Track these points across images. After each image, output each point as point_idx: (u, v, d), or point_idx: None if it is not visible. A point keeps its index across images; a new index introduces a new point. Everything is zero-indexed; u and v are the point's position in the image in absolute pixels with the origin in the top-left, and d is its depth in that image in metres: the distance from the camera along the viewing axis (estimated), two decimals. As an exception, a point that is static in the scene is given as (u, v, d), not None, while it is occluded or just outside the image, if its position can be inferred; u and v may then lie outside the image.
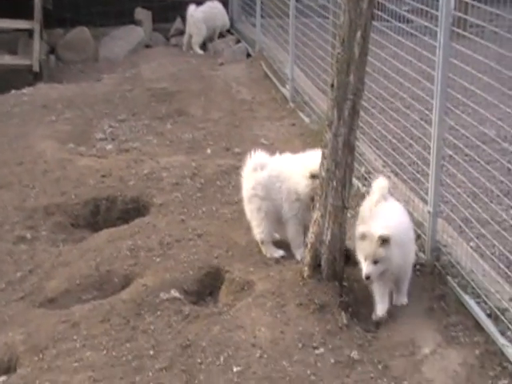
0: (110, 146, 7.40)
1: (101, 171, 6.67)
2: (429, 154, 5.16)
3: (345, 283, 4.90)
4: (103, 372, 4.23)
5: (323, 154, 4.74)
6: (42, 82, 9.69)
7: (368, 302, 4.79)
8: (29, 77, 9.91)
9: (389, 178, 6.13)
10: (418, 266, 5.07)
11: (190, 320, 4.66)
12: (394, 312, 4.70)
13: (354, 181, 5.85)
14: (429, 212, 5.11)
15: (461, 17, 4.94)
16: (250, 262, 5.16)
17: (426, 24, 5.33)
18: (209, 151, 7.29)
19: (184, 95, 8.80)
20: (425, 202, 5.32)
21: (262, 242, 5.29)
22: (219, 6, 11.52)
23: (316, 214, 4.78)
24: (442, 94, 4.89)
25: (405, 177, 5.88)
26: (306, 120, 7.91)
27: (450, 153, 5.32)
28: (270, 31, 9.96)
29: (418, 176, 5.66)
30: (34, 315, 4.81)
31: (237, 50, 10.87)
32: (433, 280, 4.95)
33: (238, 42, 11.28)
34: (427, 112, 5.27)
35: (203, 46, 11.19)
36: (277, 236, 5.41)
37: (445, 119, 5.04)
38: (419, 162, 5.71)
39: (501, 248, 4.72)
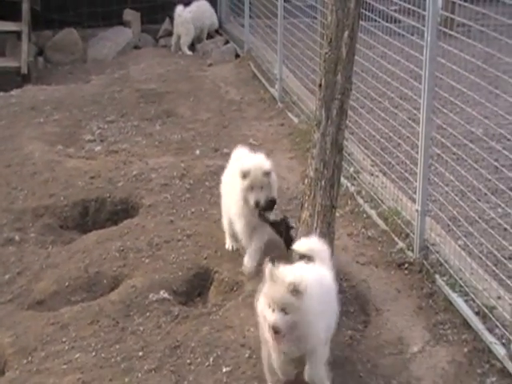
0: (98, 148, 7.39)
1: (89, 172, 6.65)
2: (417, 153, 5.17)
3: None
4: (92, 374, 4.22)
5: (311, 153, 4.75)
6: (30, 83, 9.68)
7: (357, 300, 4.80)
8: (17, 79, 9.90)
9: (377, 177, 6.16)
10: (406, 265, 5.09)
11: (179, 321, 4.66)
12: (382, 310, 4.71)
13: (343, 180, 5.87)
14: (417, 211, 5.13)
15: (448, 16, 4.96)
16: (238, 263, 5.15)
17: (414, 24, 5.34)
18: (197, 152, 7.28)
19: (173, 96, 8.80)
20: (413, 200, 5.34)
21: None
22: (207, 4, 11.51)
23: (304, 214, 4.78)
24: (429, 93, 4.90)
25: (393, 176, 5.89)
26: (295, 120, 7.91)
27: (438, 152, 5.34)
28: (258, 31, 9.96)
29: (406, 175, 5.68)
30: (23, 317, 4.79)
31: (225, 51, 10.85)
32: (421, 278, 4.97)
33: (227, 42, 11.27)
34: (415, 111, 5.28)
35: (192, 47, 11.18)
36: None
37: (432, 118, 5.06)
38: (407, 161, 5.74)
39: (489, 246, 4.74)
